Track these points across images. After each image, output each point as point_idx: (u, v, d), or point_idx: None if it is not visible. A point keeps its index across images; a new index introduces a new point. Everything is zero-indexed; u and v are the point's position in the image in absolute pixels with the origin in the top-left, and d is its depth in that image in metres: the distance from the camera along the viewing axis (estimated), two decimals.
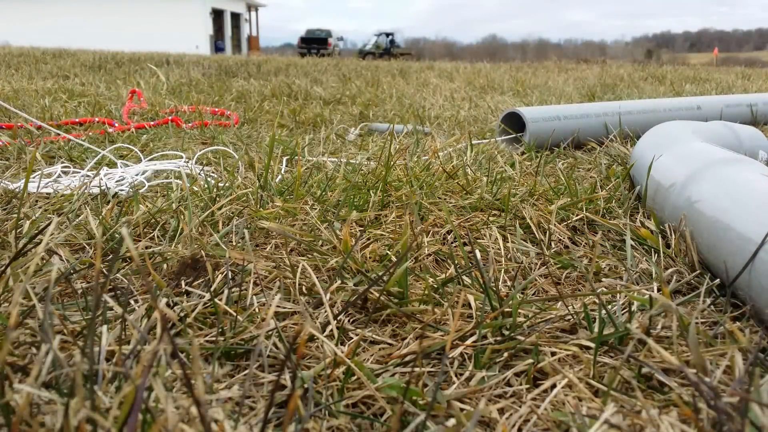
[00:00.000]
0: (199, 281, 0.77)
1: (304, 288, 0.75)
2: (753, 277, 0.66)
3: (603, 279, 0.80)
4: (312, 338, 0.63)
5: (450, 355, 0.60)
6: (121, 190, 1.21)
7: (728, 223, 0.74)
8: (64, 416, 0.38)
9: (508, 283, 0.80)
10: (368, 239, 0.94)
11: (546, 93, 3.89)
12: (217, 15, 27.67)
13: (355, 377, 0.55)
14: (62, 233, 0.90)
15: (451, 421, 0.48)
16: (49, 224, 0.91)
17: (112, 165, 1.46)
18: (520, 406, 0.53)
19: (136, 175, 1.33)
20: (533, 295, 0.78)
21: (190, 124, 2.19)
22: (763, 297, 0.64)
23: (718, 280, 0.76)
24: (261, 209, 1.03)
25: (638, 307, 0.70)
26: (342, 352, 0.57)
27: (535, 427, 0.51)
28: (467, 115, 2.68)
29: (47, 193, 1.20)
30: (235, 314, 0.64)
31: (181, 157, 1.51)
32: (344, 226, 0.81)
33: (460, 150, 1.69)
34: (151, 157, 1.51)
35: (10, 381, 0.46)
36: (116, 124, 2.06)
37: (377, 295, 0.69)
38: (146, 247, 0.88)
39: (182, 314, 0.66)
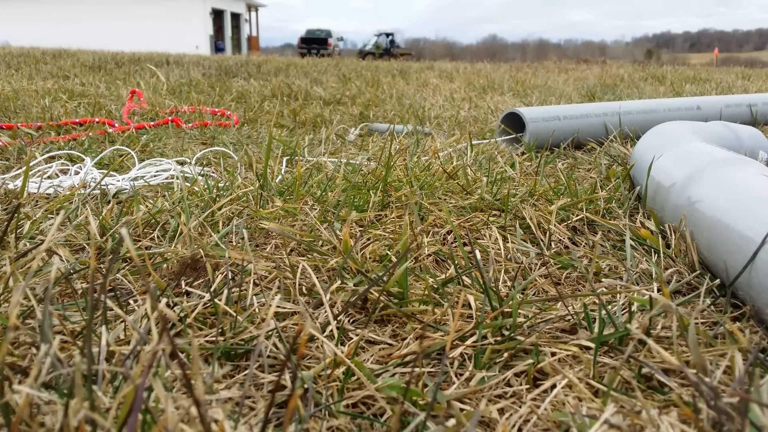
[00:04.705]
0: (199, 281, 0.77)
1: (304, 288, 0.75)
2: (753, 277, 0.66)
3: (603, 279, 0.80)
4: (312, 338, 0.63)
5: (450, 355, 0.60)
6: (123, 189, 1.21)
7: (728, 223, 0.74)
8: (64, 416, 0.38)
9: (508, 284, 0.80)
10: (368, 239, 0.94)
11: (546, 93, 3.89)
12: (217, 15, 27.67)
13: (355, 377, 0.55)
14: (62, 233, 0.90)
15: (451, 421, 0.48)
16: (51, 224, 0.91)
17: (112, 164, 1.46)
18: (520, 407, 0.53)
19: (132, 180, 1.33)
20: (533, 295, 0.78)
21: (190, 125, 2.19)
22: (763, 297, 0.64)
23: (718, 280, 0.76)
24: (261, 209, 1.03)
25: (638, 308, 0.70)
26: (342, 352, 0.57)
27: (535, 427, 0.51)
28: (467, 115, 2.68)
29: (48, 194, 1.20)
30: (235, 314, 0.64)
31: (181, 164, 1.51)
32: (344, 227, 0.81)
33: (460, 150, 1.69)
34: (141, 166, 1.51)
35: (9, 381, 0.46)
36: (116, 125, 2.06)
37: (377, 295, 0.69)
38: (146, 248, 0.88)
39: (182, 314, 0.66)
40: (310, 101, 3.24)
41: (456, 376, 0.58)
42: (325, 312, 0.68)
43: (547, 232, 0.96)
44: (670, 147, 1.13)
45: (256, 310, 0.68)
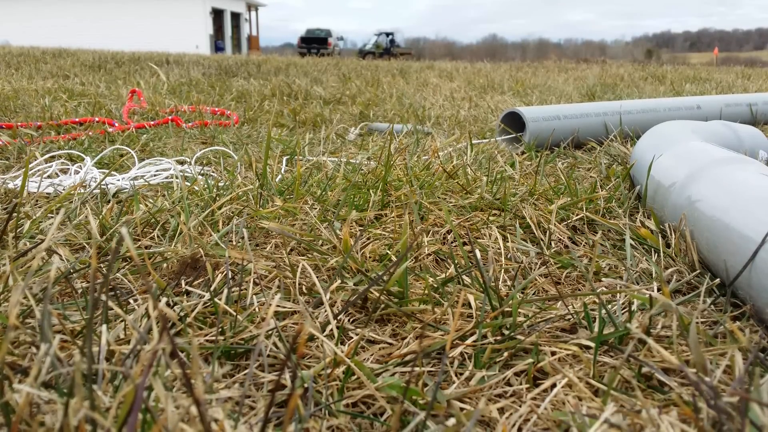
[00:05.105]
0: (199, 281, 0.77)
1: (304, 288, 0.75)
2: (753, 277, 0.66)
3: (603, 279, 0.80)
4: (312, 338, 0.63)
5: (450, 355, 0.60)
6: (123, 188, 1.21)
7: (728, 222, 0.74)
8: (64, 416, 0.38)
9: (508, 283, 0.80)
10: (368, 239, 0.94)
11: (546, 93, 3.89)
12: (217, 15, 27.67)
13: (355, 377, 0.55)
14: (62, 233, 0.90)
15: (451, 421, 0.48)
16: (51, 223, 0.91)
17: (112, 163, 1.46)
18: (520, 406, 0.53)
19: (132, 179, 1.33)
20: (533, 294, 0.78)
21: (190, 124, 2.19)
22: (763, 296, 0.64)
23: (718, 280, 0.76)
24: (261, 209, 1.03)
25: (638, 307, 0.70)
26: (342, 352, 0.57)
27: (535, 427, 0.51)
28: (467, 114, 2.68)
29: (48, 193, 1.20)
30: (234, 314, 0.64)
31: (180, 163, 1.51)
32: (344, 226, 0.81)
33: (460, 150, 1.69)
34: (141, 165, 1.51)
35: (10, 381, 0.46)
36: (116, 124, 2.06)
37: (377, 294, 0.69)
38: (146, 247, 0.88)
39: (182, 314, 0.66)
40: (310, 101, 3.24)
41: (456, 375, 0.58)
42: (325, 311, 0.68)
43: (547, 232, 0.96)
44: (670, 146, 1.13)
45: (256, 309, 0.68)
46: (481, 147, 1.73)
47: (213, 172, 1.45)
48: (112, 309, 0.67)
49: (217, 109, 2.60)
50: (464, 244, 0.94)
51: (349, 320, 0.69)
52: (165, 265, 0.80)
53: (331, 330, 0.64)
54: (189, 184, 1.18)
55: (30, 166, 1.42)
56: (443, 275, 0.81)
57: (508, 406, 0.53)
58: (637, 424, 0.47)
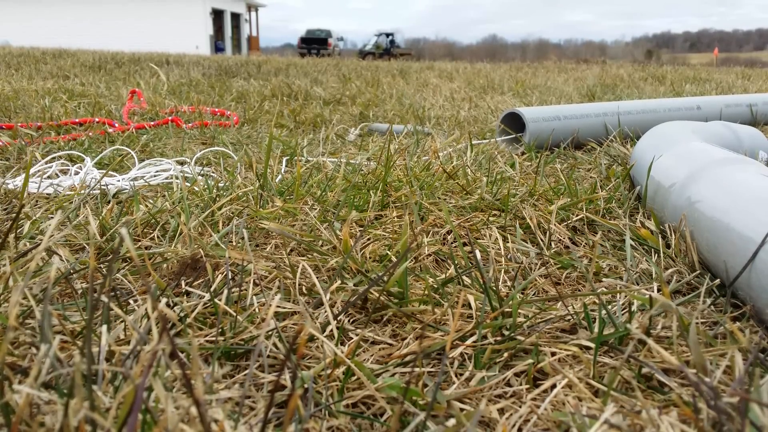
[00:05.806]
0: (199, 281, 0.77)
1: (304, 288, 0.75)
2: (753, 277, 0.66)
3: (603, 279, 0.80)
4: (312, 338, 0.63)
5: (450, 355, 0.60)
6: (123, 189, 1.21)
7: (728, 223, 0.74)
8: (64, 416, 0.38)
9: (508, 283, 0.80)
10: (368, 239, 0.94)
11: (546, 93, 3.89)
12: (217, 15, 27.68)
13: (355, 377, 0.55)
14: (62, 233, 0.90)
15: (451, 421, 0.48)
16: (50, 222, 0.91)
17: (112, 163, 1.46)
18: (520, 406, 0.53)
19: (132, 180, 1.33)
20: (533, 295, 0.78)
21: (190, 125, 2.19)
22: (763, 297, 0.64)
23: (718, 280, 0.76)
24: (261, 209, 1.03)
25: (638, 307, 0.70)
26: (342, 352, 0.57)
27: (535, 427, 0.51)
28: (467, 115, 2.68)
29: (48, 194, 1.20)
30: (235, 314, 0.64)
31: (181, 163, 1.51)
32: (344, 226, 0.81)
33: (460, 150, 1.69)
34: (141, 166, 1.51)
35: (10, 381, 0.46)
36: (116, 124, 2.06)
37: (377, 295, 0.69)
38: (146, 247, 0.88)
39: (182, 314, 0.66)
40: (310, 101, 3.24)
41: (456, 376, 0.58)
42: (325, 312, 0.68)
43: (547, 232, 0.96)
44: (670, 147, 1.13)
45: (256, 309, 0.68)
46: (481, 147, 1.73)
47: (213, 172, 1.45)
48: (112, 309, 0.67)
49: (217, 109, 2.60)
50: (464, 244, 0.94)
51: (349, 321, 0.69)
52: (165, 265, 0.80)
53: (331, 330, 0.64)
54: (189, 184, 1.18)
55: (30, 166, 1.42)
56: (443, 276, 0.81)
57: (508, 406, 0.53)
58: (637, 425, 0.47)
